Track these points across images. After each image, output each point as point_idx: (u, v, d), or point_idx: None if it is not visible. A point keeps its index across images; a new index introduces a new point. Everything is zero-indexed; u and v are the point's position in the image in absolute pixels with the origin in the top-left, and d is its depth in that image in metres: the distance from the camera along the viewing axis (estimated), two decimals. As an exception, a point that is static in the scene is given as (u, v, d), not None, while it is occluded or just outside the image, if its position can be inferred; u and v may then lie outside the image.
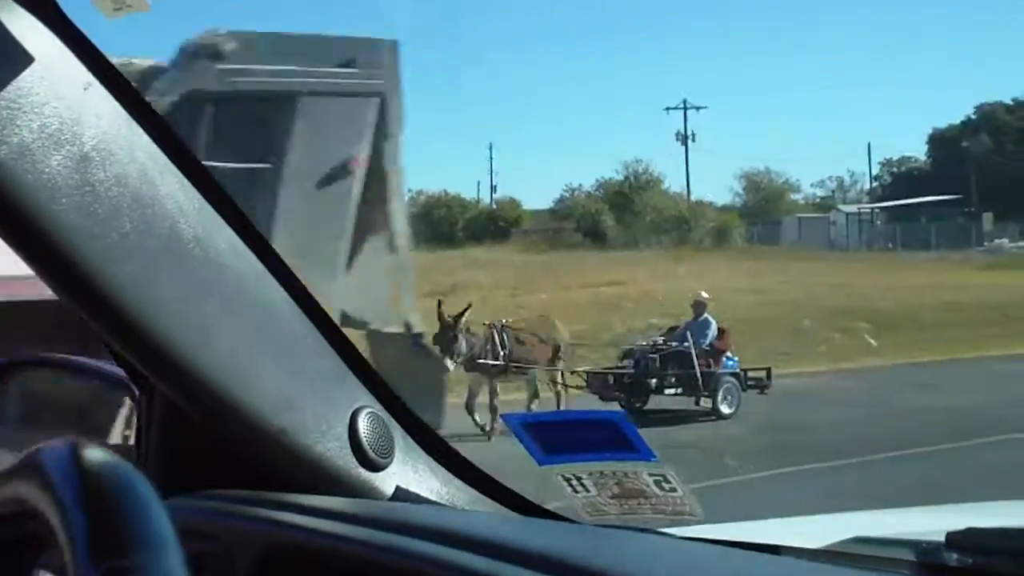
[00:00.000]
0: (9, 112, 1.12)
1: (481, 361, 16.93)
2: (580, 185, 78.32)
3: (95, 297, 1.24)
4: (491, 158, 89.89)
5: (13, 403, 2.07)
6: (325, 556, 1.35)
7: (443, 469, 1.64)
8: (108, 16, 1.18)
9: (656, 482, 1.53)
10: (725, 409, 17.76)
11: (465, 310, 16.84)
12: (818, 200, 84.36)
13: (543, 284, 38.12)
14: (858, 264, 46.04)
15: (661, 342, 18.71)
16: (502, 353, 17.21)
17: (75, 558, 0.83)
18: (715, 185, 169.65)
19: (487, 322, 17.81)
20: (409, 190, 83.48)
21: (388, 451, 1.55)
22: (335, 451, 1.49)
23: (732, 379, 18.34)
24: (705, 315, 19.17)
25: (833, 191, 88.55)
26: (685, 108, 77.13)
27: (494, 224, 71.28)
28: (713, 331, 18.85)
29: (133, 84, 1.26)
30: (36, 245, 1.19)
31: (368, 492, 1.53)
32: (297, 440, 1.46)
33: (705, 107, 79.51)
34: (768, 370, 19.18)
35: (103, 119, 1.21)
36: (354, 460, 1.51)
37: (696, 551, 1.36)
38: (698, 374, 17.72)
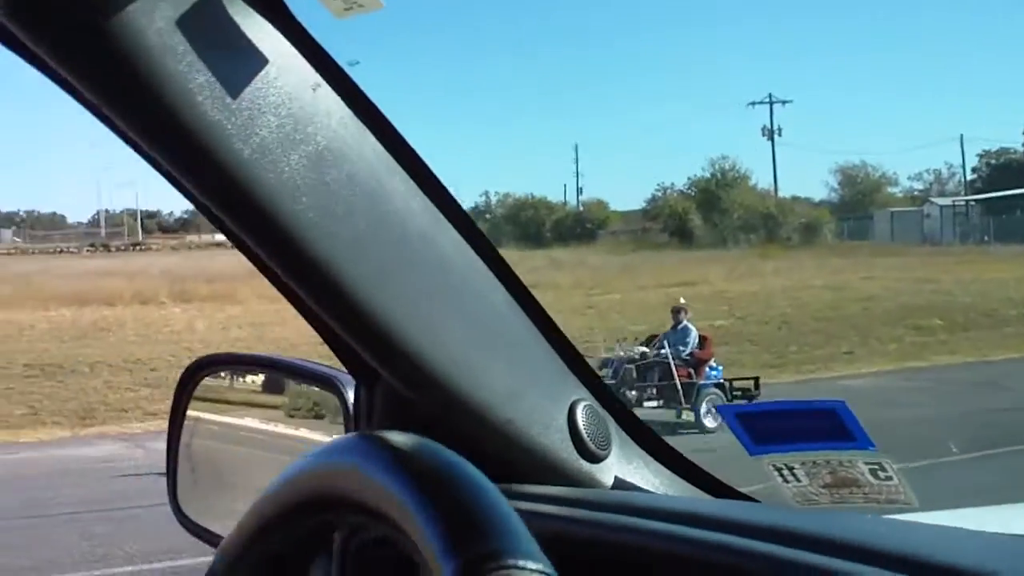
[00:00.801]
0: (250, 113, 1.15)
1: None
2: (672, 184, 77.85)
3: (334, 294, 1.28)
4: (576, 160, 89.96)
5: (207, 401, 2.05)
6: (582, 544, 1.34)
7: (655, 461, 1.65)
8: (338, 16, 1.20)
9: (871, 471, 1.52)
10: (709, 422, 16.51)
11: None
12: (916, 193, 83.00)
13: (620, 284, 38.01)
14: (947, 259, 45.01)
15: (639, 352, 17.68)
16: None
17: (432, 548, 0.85)
18: (809, 180, 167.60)
19: None
20: (496, 192, 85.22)
21: (606, 443, 1.57)
22: (558, 443, 1.52)
23: (716, 390, 17.19)
24: (684, 322, 17.94)
25: (931, 184, 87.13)
26: (771, 102, 76.40)
27: (580, 226, 71.46)
28: (693, 339, 17.75)
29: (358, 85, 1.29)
30: (280, 244, 1.23)
31: (589, 483, 1.55)
32: (523, 431, 1.48)
33: (791, 101, 78.73)
34: (756, 379, 17.82)
35: (333, 119, 1.24)
36: (575, 452, 1.53)
37: (932, 530, 1.34)
38: (678, 385, 16.86)
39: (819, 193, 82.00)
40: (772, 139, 75.85)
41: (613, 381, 16.81)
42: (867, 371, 22.04)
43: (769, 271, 41.16)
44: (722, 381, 17.58)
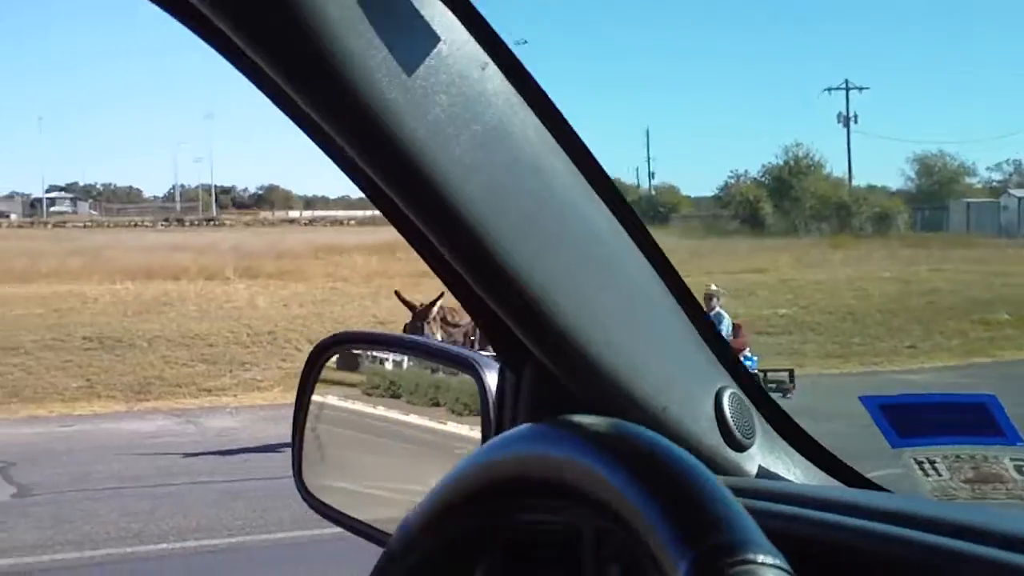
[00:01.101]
0: (424, 91, 1.17)
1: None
2: (746, 171, 77.29)
3: (496, 273, 1.28)
4: (648, 144, 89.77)
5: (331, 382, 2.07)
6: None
7: (796, 452, 1.63)
8: None
9: (1017, 467, 1.51)
10: None
11: (437, 298, 14.70)
12: (994, 184, 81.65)
13: (687, 269, 37.40)
14: (1023, 251, 44.13)
15: None
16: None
17: (662, 538, 0.85)
18: (884, 169, 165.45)
19: None
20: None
21: (751, 432, 1.54)
22: (706, 430, 1.50)
23: None
24: (717, 309, 16.74)
25: (1011, 174, 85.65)
26: (847, 89, 75.46)
27: (653, 209, 71.34)
28: (726, 327, 16.74)
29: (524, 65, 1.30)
30: (448, 223, 1.24)
31: (735, 472, 1.53)
32: (676, 419, 1.46)
33: (867, 88, 77.74)
34: (791, 372, 17.63)
35: (499, 98, 1.25)
36: (722, 440, 1.51)
37: None
38: None
39: (895, 182, 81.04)
40: (847, 126, 75.00)
41: None
42: (929, 366, 21.70)
43: (838, 261, 40.71)
44: (756, 372, 16.94)
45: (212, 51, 1.24)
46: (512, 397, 1.57)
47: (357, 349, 2.10)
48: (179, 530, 10.57)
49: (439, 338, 14.50)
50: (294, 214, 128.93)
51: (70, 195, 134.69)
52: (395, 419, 1.93)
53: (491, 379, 1.62)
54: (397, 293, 15.31)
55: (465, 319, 15.05)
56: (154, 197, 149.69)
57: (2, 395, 18.40)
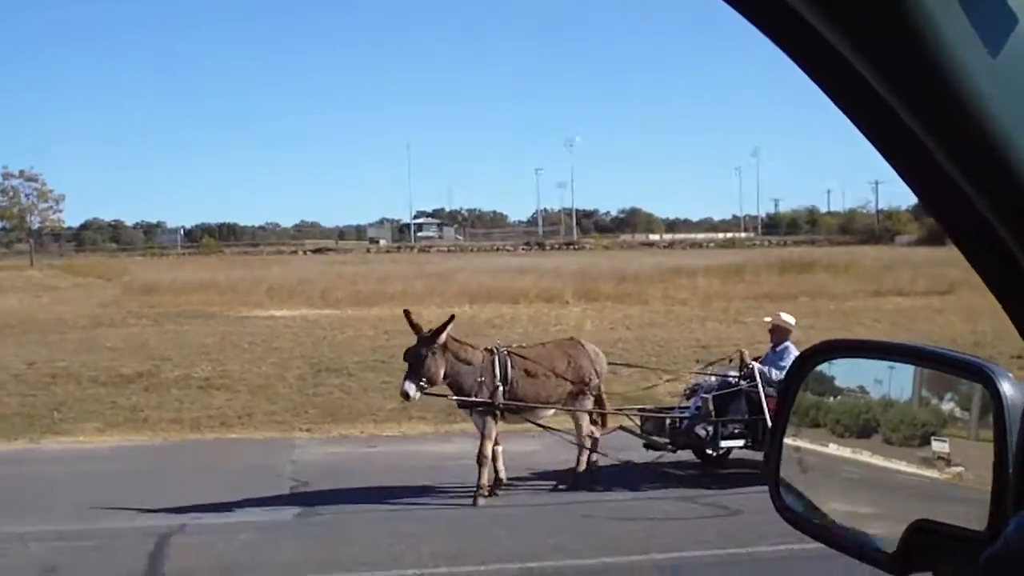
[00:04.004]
0: (1005, 80, 1.14)
1: (460, 397, 13.50)
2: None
3: None
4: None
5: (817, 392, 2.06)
6: None
7: None
8: None
9: None
10: None
11: (445, 324, 13.18)
12: None
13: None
14: None
15: (733, 377, 14.18)
16: (501, 388, 13.35)
17: None
18: None
19: (488, 347, 13.94)
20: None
21: None
22: None
23: None
24: (786, 343, 14.09)
25: None
26: None
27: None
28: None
29: None
30: None
31: None
32: None
33: None
34: None
35: None
36: None
37: None
38: (768, 419, 12.60)
39: None
40: None
41: (696, 413, 14.02)
42: None
43: None
44: None
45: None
46: None
47: (847, 356, 2.05)
48: (436, 555, 10.45)
49: (441, 372, 13.08)
50: (654, 237, 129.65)
51: (437, 221, 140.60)
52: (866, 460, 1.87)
53: (1007, 389, 1.55)
54: (406, 312, 13.79)
55: (477, 357, 13.49)
56: (517, 222, 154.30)
57: (319, 415, 19.04)
